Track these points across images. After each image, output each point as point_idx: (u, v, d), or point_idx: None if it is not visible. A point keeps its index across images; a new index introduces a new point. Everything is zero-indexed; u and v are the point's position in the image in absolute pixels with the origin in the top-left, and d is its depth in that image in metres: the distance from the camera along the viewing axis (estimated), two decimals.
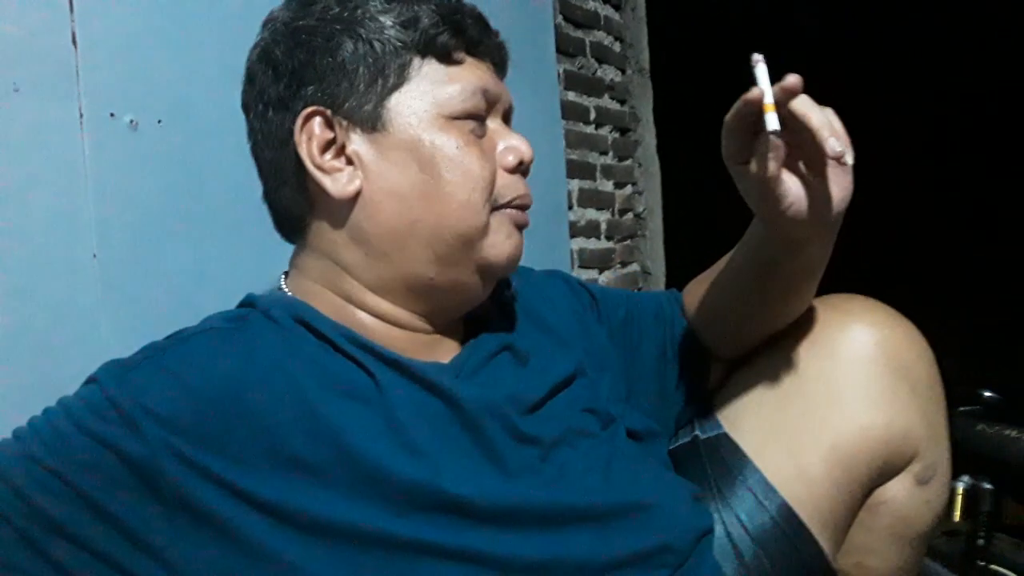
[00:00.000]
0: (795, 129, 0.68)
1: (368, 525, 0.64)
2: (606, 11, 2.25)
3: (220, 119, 0.96)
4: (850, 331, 0.86)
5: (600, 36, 2.21)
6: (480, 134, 0.75)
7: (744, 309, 0.89)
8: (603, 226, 2.17)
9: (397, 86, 0.72)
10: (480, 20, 0.77)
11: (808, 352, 0.87)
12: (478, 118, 0.75)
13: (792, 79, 0.66)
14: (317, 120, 0.72)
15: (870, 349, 0.84)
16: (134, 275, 0.91)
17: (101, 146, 0.89)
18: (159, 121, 0.95)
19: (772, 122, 0.66)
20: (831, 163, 0.70)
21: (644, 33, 2.40)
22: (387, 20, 0.73)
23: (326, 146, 0.72)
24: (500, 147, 0.77)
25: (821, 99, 0.69)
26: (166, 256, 0.94)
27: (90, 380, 0.69)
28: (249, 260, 1.00)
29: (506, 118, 0.80)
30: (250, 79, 0.77)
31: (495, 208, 0.75)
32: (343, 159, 0.73)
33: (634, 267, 2.35)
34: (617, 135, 2.28)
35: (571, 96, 2.04)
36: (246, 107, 0.78)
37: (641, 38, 2.39)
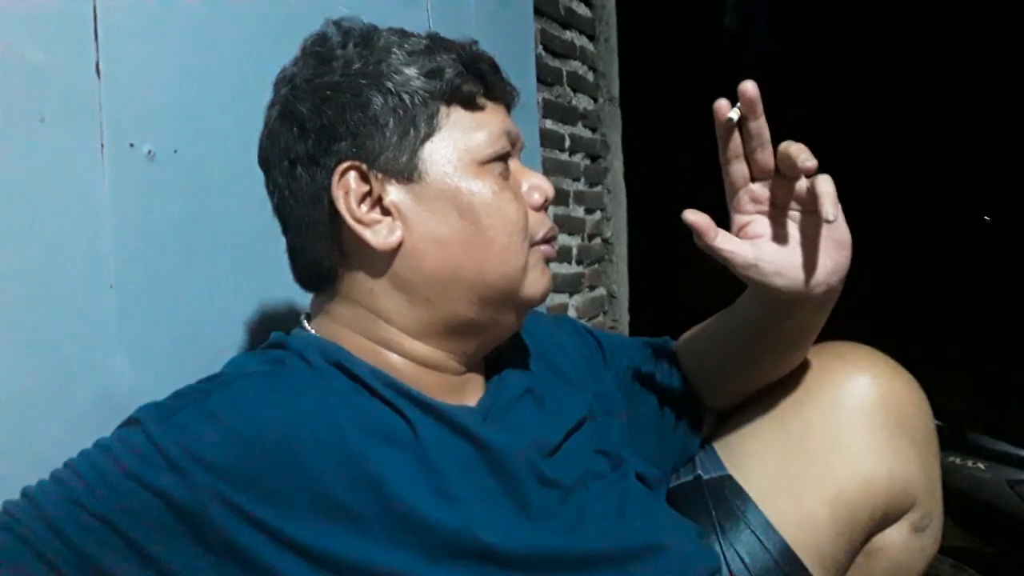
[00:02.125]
0: (786, 187, 0.75)
1: (406, 573, 0.65)
2: (582, 41, 2.30)
3: (234, 149, 0.97)
4: (853, 382, 0.89)
5: (576, 66, 2.26)
6: (506, 175, 0.77)
7: (734, 366, 0.92)
8: (574, 251, 2.21)
9: (428, 136, 0.74)
10: (494, 65, 0.80)
11: (812, 400, 0.90)
12: (504, 159, 0.77)
13: (746, 83, 0.73)
14: (352, 174, 0.73)
15: (873, 400, 0.88)
16: (150, 305, 0.91)
17: (120, 176, 0.88)
18: (175, 151, 0.95)
19: (733, 113, 0.75)
20: (825, 234, 0.74)
21: (615, 63, 2.46)
22: (411, 72, 0.74)
23: (362, 198, 0.73)
24: (524, 187, 0.79)
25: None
26: (182, 286, 0.95)
27: (130, 422, 0.69)
28: (264, 290, 1.01)
29: (518, 155, 0.82)
30: (271, 137, 0.77)
31: (531, 246, 0.78)
32: (379, 210, 0.74)
33: (601, 291, 2.39)
34: (588, 162, 2.33)
35: (548, 124, 2.08)
36: (267, 164, 0.78)
37: (612, 68, 2.45)
